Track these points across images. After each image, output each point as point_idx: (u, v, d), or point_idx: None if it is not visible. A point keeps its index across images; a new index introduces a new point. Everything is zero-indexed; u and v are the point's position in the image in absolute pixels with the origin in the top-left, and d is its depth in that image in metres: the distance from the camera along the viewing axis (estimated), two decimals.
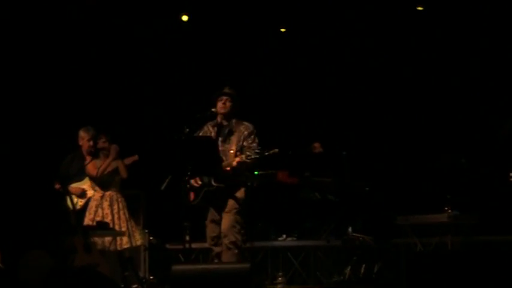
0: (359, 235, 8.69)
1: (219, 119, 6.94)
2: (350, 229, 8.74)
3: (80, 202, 7.97)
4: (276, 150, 6.71)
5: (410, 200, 8.73)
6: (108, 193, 7.80)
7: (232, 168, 6.67)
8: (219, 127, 6.90)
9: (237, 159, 6.62)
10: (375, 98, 9.83)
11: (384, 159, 9.54)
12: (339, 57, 9.86)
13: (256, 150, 6.48)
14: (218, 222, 6.89)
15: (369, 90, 9.85)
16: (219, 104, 6.85)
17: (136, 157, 7.80)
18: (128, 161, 7.83)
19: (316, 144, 8.64)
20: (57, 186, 7.85)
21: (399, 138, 9.63)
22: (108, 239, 7.66)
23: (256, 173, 8.40)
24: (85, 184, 8.12)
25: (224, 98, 6.82)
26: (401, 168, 9.38)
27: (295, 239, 9.08)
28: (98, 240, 7.59)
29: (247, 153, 6.57)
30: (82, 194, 8.08)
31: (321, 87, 10.08)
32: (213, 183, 6.74)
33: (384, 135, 9.75)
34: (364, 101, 9.87)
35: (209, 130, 6.95)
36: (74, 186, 8.01)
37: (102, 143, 7.82)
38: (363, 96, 9.87)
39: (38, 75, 9.38)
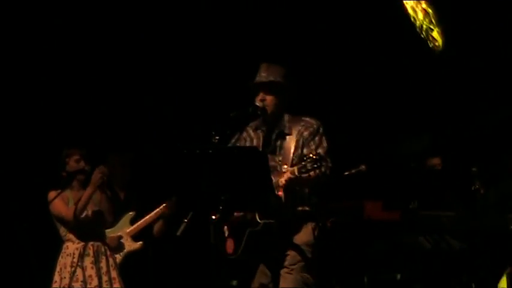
0: None
1: (263, 118, 5.96)
2: None
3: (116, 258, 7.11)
4: (363, 167, 6.62)
5: None
6: (90, 244, 6.62)
7: (284, 191, 5.59)
8: (266, 131, 5.80)
9: (286, 174, 5.55)
10: None
11: None
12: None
13: (315, 157, 5.35)
14: (272, 286, 5.69)
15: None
16: (258, 101, 5.86)
17: (165, 208, 7.10)
18: (153, 216, 7.21)
19: (436, 160, 7.82)
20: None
21: None
22: None
23: None
24: (121, 230, 7.36)
25: (260, 93, 5.75)
26: None
27: None
28: None
29: (303, 163, 5.50)
30: (118, 246, 7.25)
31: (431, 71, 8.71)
32: (257, 219, 5.56)
33: None
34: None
35: (249, 136, 5.88)
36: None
37: (74, 162, 6.56)
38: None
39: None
